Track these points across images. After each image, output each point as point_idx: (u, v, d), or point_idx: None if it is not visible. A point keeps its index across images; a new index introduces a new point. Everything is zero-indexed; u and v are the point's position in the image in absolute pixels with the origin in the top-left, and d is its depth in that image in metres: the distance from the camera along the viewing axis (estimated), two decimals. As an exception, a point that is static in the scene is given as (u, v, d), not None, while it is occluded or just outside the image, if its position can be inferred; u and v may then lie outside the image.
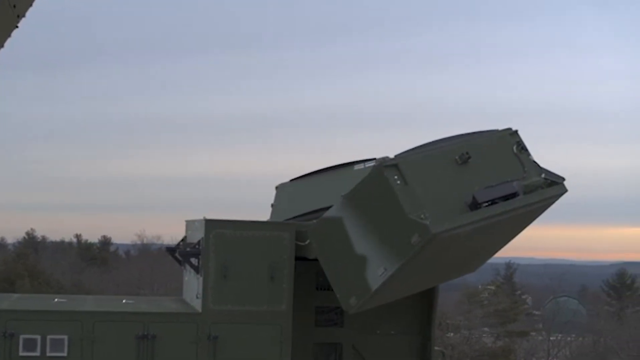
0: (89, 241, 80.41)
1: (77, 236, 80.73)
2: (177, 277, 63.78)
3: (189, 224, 11.61)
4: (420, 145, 9.37)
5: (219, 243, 10.12)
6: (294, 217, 11.31)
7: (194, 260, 10.33)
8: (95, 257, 73.36)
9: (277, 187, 12.25)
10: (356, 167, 11.57)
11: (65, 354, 9.76)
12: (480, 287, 64.27)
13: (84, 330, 9.81)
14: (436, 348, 11.33)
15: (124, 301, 11.08)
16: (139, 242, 78.61)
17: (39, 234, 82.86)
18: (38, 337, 9.73)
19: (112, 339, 9.87)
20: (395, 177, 8.89)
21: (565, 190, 9.75)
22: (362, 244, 9.15)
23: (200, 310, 10.11)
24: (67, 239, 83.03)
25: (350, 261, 9.26)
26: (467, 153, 9.25)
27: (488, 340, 53.04)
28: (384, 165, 8.93)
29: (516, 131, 9.78)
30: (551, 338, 57.27)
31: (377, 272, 9.03)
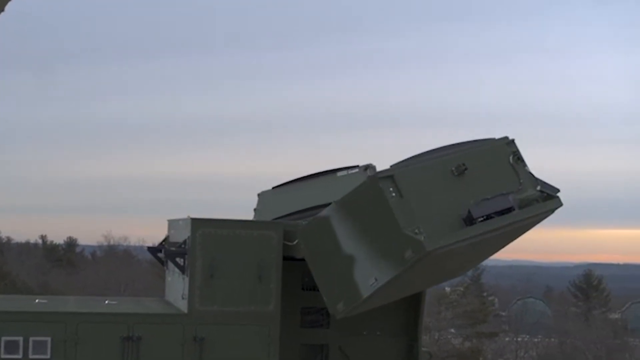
0: (54, 242, 79.65)
1: (43, 237, 79.97)
2: (143, 278, 63.58)
3: (172, 223, 11.42)
4: (416, 155, 9.28)
5: (205, 242, 9.93)
6: (278, 218, 11.18)
7: (179, 260, 10.12)
8: (61, 259, 72.63)
9: (259, 195, 12.09)
10: (339, 174, 11.52)
11: (48, 356, 9.53)
12: (448, 289, 64.41)
13: (67, 332, 9.58)
14: (423, 349, 11.23)
15: (106, 302, 10.86)
16: (105, 243, 77.93)
17: (3, 235, 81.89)
18: (20, 339, 9.50)
19: (96, 341, 9.65)
20: (391, 189, 8.79)
21: (561, 204, 9.70)
22: (352, 250, 9.05)
23: (186, 311, 9.92)
24: (32, 240, 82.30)
25: (340, 266, 9.15)
26: (463, 164, 9.17)
27: (456, 341, 53.16)
28: (379, 177, 8.82)
29: (512, 140, 9.71)
30: (518, 339, 57.53)
31: (368, 282, 8.96)
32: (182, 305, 10.06)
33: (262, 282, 10.03)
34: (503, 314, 69.09)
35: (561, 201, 9.67)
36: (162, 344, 9.78)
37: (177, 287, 10.67)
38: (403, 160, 9.13)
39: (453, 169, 9.16)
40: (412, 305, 11.15)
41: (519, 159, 9.62)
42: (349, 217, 9.02)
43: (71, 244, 79.74)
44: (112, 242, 77.03)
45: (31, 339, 9.50)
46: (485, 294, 73.03)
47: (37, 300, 10.72)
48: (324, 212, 9.26)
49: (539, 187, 9.60)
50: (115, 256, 73.27)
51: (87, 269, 66.84)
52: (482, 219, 8.96)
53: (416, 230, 8.65)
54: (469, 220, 8.95)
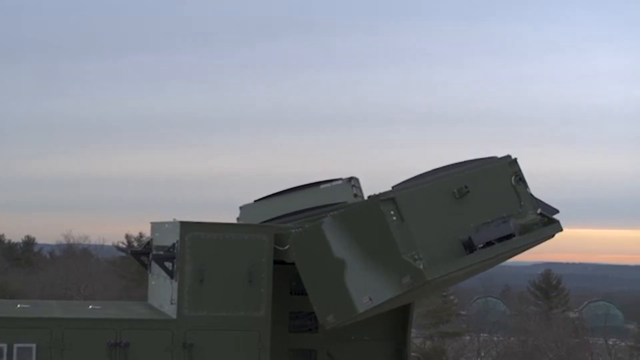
0: (12, 241, 78.56)
1: (0, 236, 78.81)
2: (103, 277, 62.84)
3: (156, 226, 11.19)
4: (417, 176, 9.17)
5: (194, 246, 9.72)
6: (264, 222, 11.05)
7: (168, 265, 9.90)
8: (19, 258, 71.66)
9: (241, 207, 11.92)
10: (322, 186, 11.47)
11: None
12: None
13: (53, 338, 9.31)
14: (412, 354, 11.13)
15: (90, 307, 10.61)
16: (64, 242, 77.11)
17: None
18: (4, 346, 9.21)
19: (82, 347, 9.39)
20: (392, 212, 8.68)
21: (560, 230, 9.66)
22: (347, 265, 8.94)
23: (175, 316, 9.71)
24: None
25: (333, 279, 9.04)
26: (465, 187, 9.09)
27: (417, 341, 53.30)
28: (381, 199, 8.69)
29: (515, 160, 9.63)
30: (480, 338, 57.86)
31: (362, 300, 8.89)
32: (171, 311, 9.84)
33: (252, 286, 9.85)
34: (463, 313, 69.49)
35: (561, 226, 9.63)
36: (150, 350, 9.55)
37: (162, 291, 10.45)
38: (405, 181, 9.01)
39: (455, 190, 9.07)
40: (401, 309, 11.00)
41: (520, 179, 9.55)
42: (346, 232, 8.91)
43: (29, 242, 78.74)
44: (71, 241, 76.26)
45: (15, 345, 9.22)
46: (445, 293, 73.49)
47: (18, 305, 10.43)
48: (319, 223, 9.13)
49: (539, 211, 9.53)
50: (74, 256, 72.54)
51: (46, 268, 66.06)
52: (482, 245, 8.90)
53: (415, 257, 8.58)
54: (469, 246, 8.90)
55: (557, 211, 9.77)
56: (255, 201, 11.79)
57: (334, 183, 11.45)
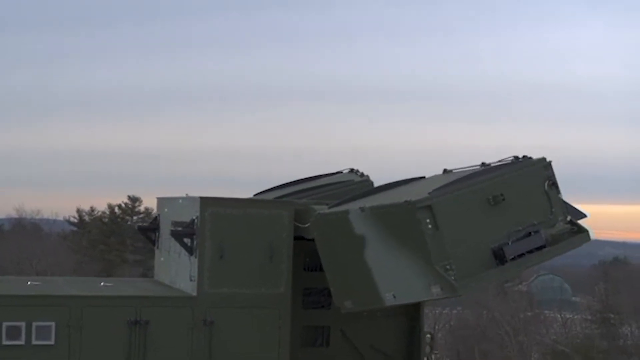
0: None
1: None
2: (56, 253, 62.05)
3: (166, 201, 10.99)
4: (452, 182, 8.97)
5: (214, 222, 9.57)
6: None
7: (187, 241, 9.72)
8: (-31, 232, 70.43)
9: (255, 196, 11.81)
10: (323, 180, 11.70)
11: (52, 342, 9.05)
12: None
13: (72, 316, 9.10)
14: (425, 330, 11.10)
15: (102, 284, 10.38)
16: (15, 216, 75.96)
17: None
18: (23, 324, 8.99)
19: (102, 325, 9.21)
20: (427, 220, 8.58)
21: (589, 240, 9.62)
22: (374, 258, 8.89)
23: (195, 293, 9.54)
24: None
25: (356, 268, 8.99)
26: (501, 195, 9.01)
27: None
28: (417, 207, 8.57)
29: (549, 163, 9.56)
30: (435, 311, 58.33)
31: (385, 295, 8.87)
32: (190, 288, 9.67)
33: (272, 263, 9.73)
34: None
35: (590, 236, 9.59)
36: (170, 327, 9.40)
37: (175, 268, 10.28)
38: (439, 188, 8.80)
39: (490, 197, 8.99)
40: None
41: (553, 184, 9.50)
42: (375, 226, 8.81)
43: (-23, 216, 77.38)
44: (24, 215, 75.19)
45: (34, 323, 9.00)
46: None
47: (29, 283, 10.17)
48: (346, 212, 9.04)
49: (569, 218, 9.50)
50: (24, 230, 71.51)
51: (-2, 242, 65.01)
52: (512, 257, 8.88)
53: (447, 267, 8.52)
54: (500, 257, 8.85)
55: (584, 215, 9.75)
56: (254, 195, 11.70)
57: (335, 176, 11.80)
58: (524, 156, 9.62)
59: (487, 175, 9.20)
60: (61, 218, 75.97)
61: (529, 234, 9.08)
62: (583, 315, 53.80)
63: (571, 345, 47.50)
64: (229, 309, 9.57)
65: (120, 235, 70.34)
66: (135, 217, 74.27)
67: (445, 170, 10.38)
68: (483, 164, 9.91)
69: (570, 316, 54.37)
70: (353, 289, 9.13)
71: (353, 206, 9.22)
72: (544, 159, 9.57)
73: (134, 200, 73.96)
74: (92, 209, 75.27)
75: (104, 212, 73.40)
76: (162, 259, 11.03)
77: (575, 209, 9.67)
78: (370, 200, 9.56)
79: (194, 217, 9.62)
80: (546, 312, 53.57)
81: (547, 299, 64.85)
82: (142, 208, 74.18)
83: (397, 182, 10.27)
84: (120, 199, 74.23)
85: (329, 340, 10.64)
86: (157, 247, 11.23)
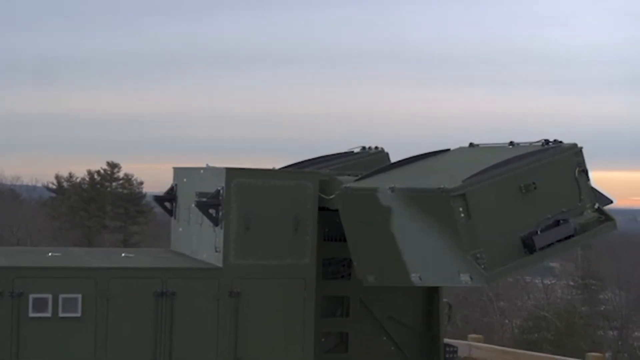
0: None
1: None
2: (35, 220, 61.70)
3: (184, 171, 10.89)
4: (486, 170, 8.80)
5: (240, 193, 9.50)
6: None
7: (212, 211, 9.65)
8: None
9: None
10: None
11: (79, 314, 8.96)
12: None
13: (98, 288, 9.03)
14: (444, 300, 11.10)
15: (123, 255, 10.30)
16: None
17: None
18: (49, 297, 8.90)
19: (129, 297, 9.13)
20: (461, 209, 8.46)
21: (616, 229, 9.58)
22: (403, 239, 8.80)
23: (220, 265, 9.49)
24: None
25: (383, 246, 8.94)
26: (533, 183, 8.91)
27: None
28: (451, 195, 8.45)
29: (581, 149, 9.45)
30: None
31: (411, 275, 8.82)
32: (215, 259, 9.62)
33: (297, 234, 9.69)
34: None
35: (616, 225, 9.54)
36: (196, 299, 9.35)
37: (197, 238, 10.22)
38: (474, 175, 8.65)
39: (522, 185, 8.89)
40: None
41: (583, 171, 9.41)
42: (407, 209, 8.71)
43: (-45, 183, 76.82)
44: (3, 182, 74.79)
45: (61, 296, 8.92)
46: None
47: (50, 254, 10.06)
48: (374, 190, 8.96)
49: (597, 205, 9.43)
50: (1, 196, 71.19)
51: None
52: (542, 246, 8.84)
53: (477, 255, 8.44)
54: (529, 246, 8.78)
55: (611, 201, 9.71)
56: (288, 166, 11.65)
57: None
58: (554, 140, 9.56)
59: (520, 162, 9.09)
60: (40, 184, 75.52)
61: (558, 223, 9.03)
62: (564, 281, 54.39)
63: (552, 310, 48.02)
64: (254, 280, 9.53)
65: (100, 202, 70.11)
66: (114, 184, 74.03)
67: (471, 144, 10.33)
68: (511, 142, 9.88)
69: (551, 282, 54.95)
70: (378, 264, 9.11)
71: (381, 183, 9.15)
72: (576, 145, 9.48)
73: (113, 166, 73.69)
74: (71, 175, 74.87)
75: (83, 179, 73.03)
76: (180, 229, 10.95)
77: (602, 194, 9.64)
78: (397, 176, 9.51)
79: (219, 188, 9.55)
80: (527, 278, 54.04)
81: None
82: (121, 174, 73.93)
83: (423, 154, 10.20)
84: (99, 165, 73.84)
85: (349, 311, 10.63)
86: (175, 218, 11.15)
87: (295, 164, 11.59)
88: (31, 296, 8.81)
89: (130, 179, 71.68)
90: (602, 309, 50.73)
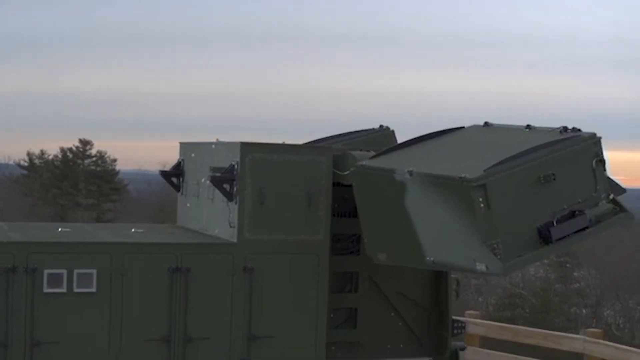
0: None
1: None
2: (8, 197, 61.17)
3: (192, 146, 10.79)
4: (506, 160, 8.70)
5: (255, 168, 9.43)
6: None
7: (226, 186, 9.57)
8: None
9: None
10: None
11: (94, 290, 8.87)
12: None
13: (113, 264, 8.93)
14: (452, 276, 11.10)
15: (133, 230, 10.19)
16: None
17: None
18: (64, 272, 8.79)
19: (143, 272, 9.04)
20: (480, 199, 8.38)
21: (632, 218, 9.55)
22: (419, 222, 8.75)
23: (235, 240, 9.42)
24: None
25: (398, 227, 8.90)
26: (553, 174, 8.84)
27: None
28: (472, 185, 8.36)
29: (599, 139, 9.35)
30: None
31: (425, 257, 8.79)
32: (228, 234, 9.54)
33: (311, 209, 9.64)
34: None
35: (632, 217, 9.52)
36: (211, 274, 9.28)
37: (208, 213, 10.14)
38: (495, 165, 8.55)
39: (541, 176, 8.81)
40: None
41: (600, 161, 9.32)
42: (424, 193, 8.66)
43: None
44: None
45: (76, 271, 8.81)
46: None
47: (60, 229, 9.94)
48: (392, 171, 8.90)
49: (612, 196, 9.36)
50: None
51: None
52: (557, 238, 8.79)
53: (495, 245, 8.38)
54: (545, 237, 8.70)
55: (624, 191, 9.65)
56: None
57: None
58: (573, 128, 9.50)
59: (540, 152, 8.99)
60: (12, 162, 74.78)
61: (573, 214, 8.97)
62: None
63: (528, 288, 48.34)
64: (268, 255, 9.48)
65: (73, 179, 69.54)
66: (87, 161, 73.38)
67: (486, 123, 10.26)
68: (528, 126, 9.81)
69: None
70: (391, 243, 9.10)
71: (398, 162, 9.07)
72: (594, 134, 9.40)
73: (85, 143, 73.00)
74: (43, 153, 74.14)
75: (55, 156, 72.32)
76: (188, 204, 10.85)
77: (616, 184, 9.60)
78: (413, 155, 9.43)
79: (234, 163, 9.46)
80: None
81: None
82: (93, 152, 73.30)
83: (437, 132, 10.11)
84: (72, 142, 73.12)
85: (357, 287, 10.60)
86: (182, 193, 11.05)
87: (307, 143, 11.51)
88: (46, 271, 8.70)
89: (103, 156, 71.14)
90: (576, 286, 51.15)
